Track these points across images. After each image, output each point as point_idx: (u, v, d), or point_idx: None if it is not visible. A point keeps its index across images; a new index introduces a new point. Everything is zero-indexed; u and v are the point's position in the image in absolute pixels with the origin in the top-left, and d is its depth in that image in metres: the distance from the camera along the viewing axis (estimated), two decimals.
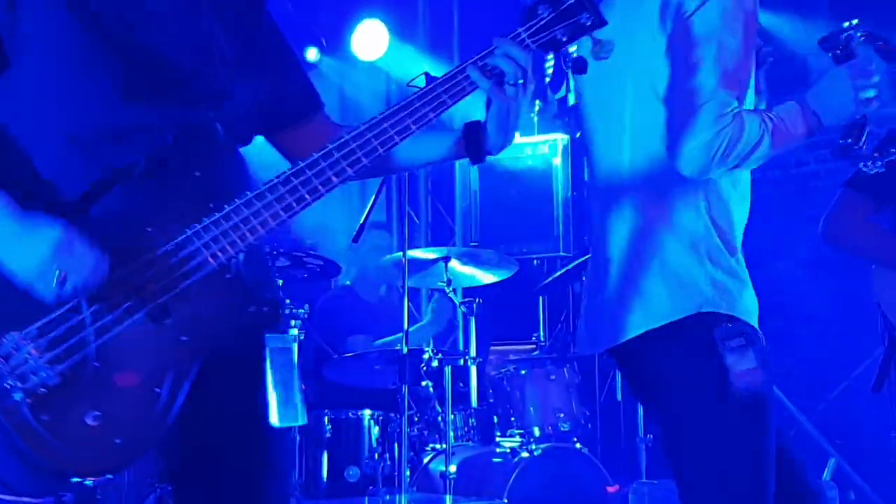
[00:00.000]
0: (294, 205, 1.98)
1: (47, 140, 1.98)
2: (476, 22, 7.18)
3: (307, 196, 1.98)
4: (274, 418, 2.04)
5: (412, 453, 5.25)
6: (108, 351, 1.91)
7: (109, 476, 2.10)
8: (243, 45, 2.17)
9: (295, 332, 5.01)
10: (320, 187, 1.98)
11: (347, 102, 7.19)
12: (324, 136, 2.10)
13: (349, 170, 2.00)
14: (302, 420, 2.09)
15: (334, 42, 7.20)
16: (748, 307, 2.56)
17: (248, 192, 1.97)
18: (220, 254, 1.97)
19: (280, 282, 5.17)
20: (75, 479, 1.95)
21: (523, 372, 5.57)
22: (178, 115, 2.02)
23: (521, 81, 2.03)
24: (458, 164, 6.90)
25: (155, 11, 2.06)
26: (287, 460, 2.31)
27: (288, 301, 5.06)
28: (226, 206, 1.96)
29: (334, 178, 1.99)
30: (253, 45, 2.20)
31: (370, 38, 7.16)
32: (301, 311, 5.08)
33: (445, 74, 2.05)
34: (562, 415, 5.47)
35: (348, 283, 6.16)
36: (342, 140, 1.99)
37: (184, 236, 1.95)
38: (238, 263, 1.99)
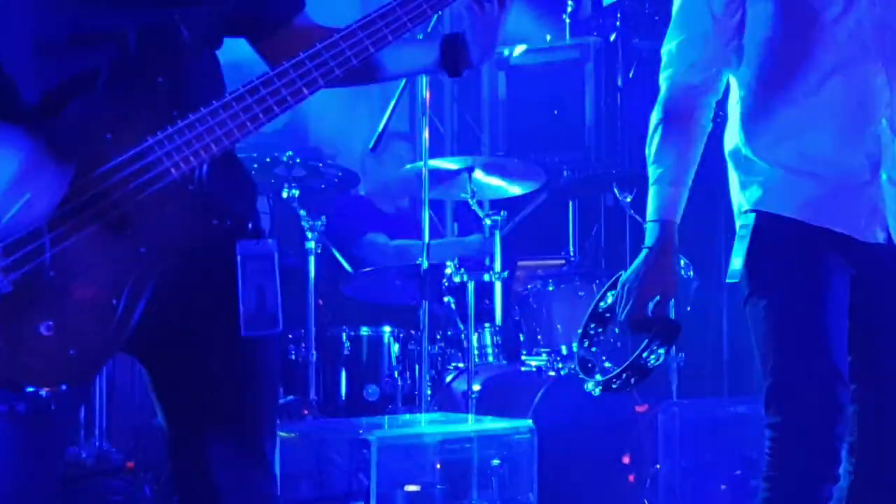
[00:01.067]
0: (261, 115, 1.98)
1: (11, 46, 1.97)
2: None
3: (275, 107, 1.99)
4: (244, 328, 2.03)
5: (433, 372, 5.19)
6: (64, 260, 1.92)
7: (63, 387, 1.92)
8: None
9: (310, 243, 5.08)
10: (289, 98, 1.99)
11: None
12: (306, 40, 2.07)
13: (321, 80, 2.00)
14: (277, 327, 2.07)
15: None
16: None
17: (215, 101, 1.97)
18: (182, 164, 1.96)
19: (295, 192, 5.14)
20: (29, 389, 1.92)
21: (551, 288, 5.46)
22: (141, 17, 1.99)
23: None
24: (485, 70, 6.95)
25: None
26: (266, 368, 2.16)
27: (304, 213, 5.10)
28: (191, 114, 1.96)
29: (305, 90, 2.00)
30: None
31: None
32: (318, 222, 5.10)
33: None
34: None
35: (363, 192, 6.10)
36: (315, 49, 1.99)
37: (145, 145, 1.94)
38: (202, 175, 1.99)
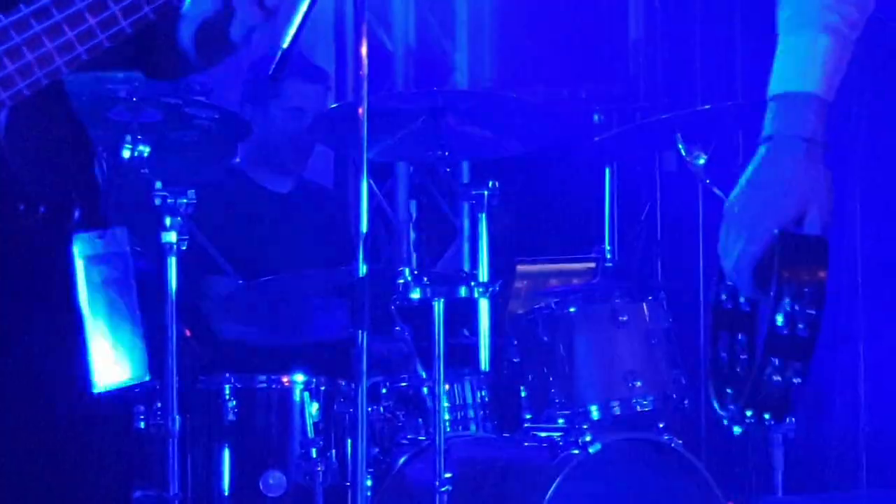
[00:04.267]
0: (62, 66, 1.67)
1: None
2: None
3: (77, 43, 1.66)
4: (96, 378, 1.73)
5: (377, 449, 3.88)
6: None
7: None
8: None
9: (171, 236, 3.69)
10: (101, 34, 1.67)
11: None
12: None
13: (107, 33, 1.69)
14: (144, 375, 1.80)
15: None
16: None
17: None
18: None
19: (146, 149, 3.75)
20: None
21: (572, 310, 3.98)
22: None
23: None
24: None
25: None
26: (121, 444, 1.70)
27: (159, 185, 3.76)
28: None
29: (100, 34, 1.68)
30: None
31: None
32: (183, 200, 3.70)
33: None
34: (639, 383, 3.89)
35: (237, 160, 4.76)
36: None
37: None
38: None
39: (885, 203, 4.92)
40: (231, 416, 3.76)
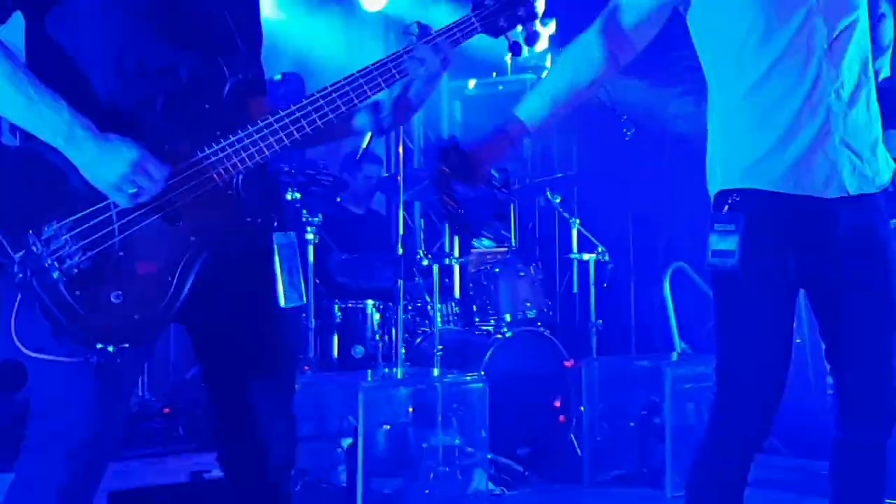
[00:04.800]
0: (274, 144, 2.05)
1: (97, 73, 2.01)
2: None
3: (285, 138, 2.05)
4: (281, 300, 2.10)
5: (406, 335, 5.31)
6: (130, 243, 1.97)
7: (126, 346, 1.94)
8: (237, 10, 2.18)
9: (310, 236, 5.18)
10: (295, 132, 2.06)
11: (351, 46, 7.01)
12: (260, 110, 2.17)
13: (318, 121, 2.07)
14: (303, 300, 2.14)
15: None
16: None
17: (249, 126, 2.04)
18: (223, 173, 2.03)
19: (298, 195, 5.27)
20: (99, 346, 1.94)
21: (497, 270, 5.70)
22: (194, 58, 2.06)
23: (426, 74, 2.13)
24: (445, 98, 6.95)
25: None
26: (293, 335, 2.29)
27: (305, 211, 5.22)
28: (230, 135, 2.03)
29: (295, 133, 2.07)
30: (246, 14, 2.23)
31: None
32: (315, 219, 5.24)
33: (379, 62, 2.12)
34: (528, 304, 5.62)
35: (340, 199, 6.20)
36: (303, 104, 2.08)
37: (195, 158, 2.02)
38: (238, 182, 2.05)
39: None
40: (337, 320, 5.36)
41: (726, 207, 2.45)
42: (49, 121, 1.90)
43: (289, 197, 5.24)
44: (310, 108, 2.06)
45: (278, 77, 5.93)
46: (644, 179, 6.42)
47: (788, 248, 2.46)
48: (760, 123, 2.50)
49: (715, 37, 2.56)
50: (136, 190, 1.94)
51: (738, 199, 2.45)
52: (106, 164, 1.92)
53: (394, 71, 2.11)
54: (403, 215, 5.34)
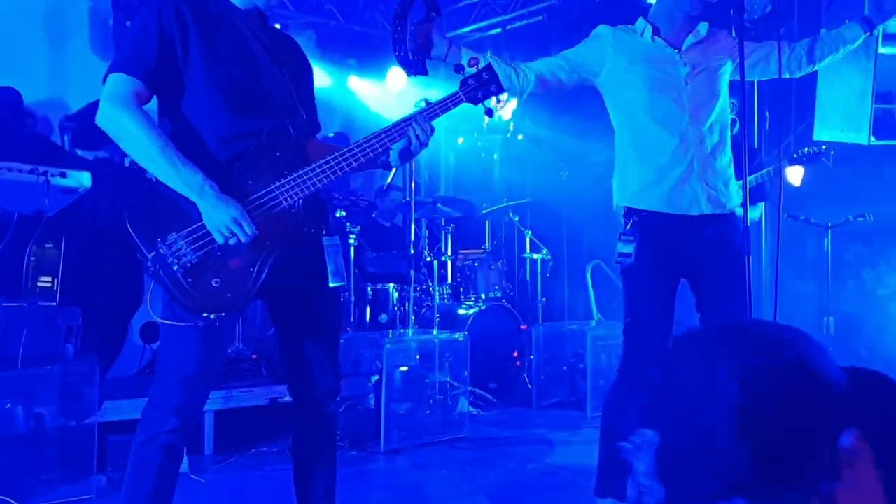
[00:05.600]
0: (324, 179, 1.98)
1: (208, 136, 1.97)
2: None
3: (331, 175, 1.99)
4: (330, 282, 2.04)
5: (415, 307, 5.26)
6: (225, 247, 1.92)
7: (223, 314, 1.86)
8: (299, 86, 2.12)
9: (351, 240, 5.12)
10: (338, 170, 1.99)
11: (386, 107, 6.63)
12: (320, 149, 2.11)
13: (354, 163, 2.01)
14: (345, 282, 2.08)
15: (377, 76, 6.77)
16: None
17: (307, 167, 1.99)
18: (289, 198, 1.97)
19: (344, 213, 5.21)
20: (204, 315, 1.90)
21: (476, 264, 5.67)
22: (271, 123, 2.00)
23: (418, 141, 2.07)
24: (442, 149, 6.80)
25: (261, 66, 2.03)
26: (338, 306, 2.08)
27: (348, 224, 5.16)
28: (294, 173, 1.98)
29: (346, 167, 2.01)
30: (304, 87, 2.17)
31: (396, 76, 6.61)
32: (356, 229, 5.21)
33: (392, 125, 2.06)
34: (497, 287, 5.59)
35: (374, 215, 6.05)
36: (343, 151, 2.02)
37: (269, 188, 1.97)
38: (299, 204, 1.98)
39: None
40: (369, 297, 5.16)
41: (629, 224, 2.44)
42: (189, 181, 1.88)
43: (337, 214, 5.16)
44: (348, 153, 2.01)
45: (331, 135, 5.87)
46: (574, 204, 6.35)
47: (668, 250, 2.44)
48: (644, 161, 2.47)
49: (615, 99, 2.54)
50: (230, 235, 1.90)
51: (636, 219, 2.44)
52: (218, 213, 1.88)
53: (399, 131, 2.06)
54: (414, 227, 5.24)
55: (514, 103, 2.29)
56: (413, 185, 5.16)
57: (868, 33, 2.44)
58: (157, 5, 1.94)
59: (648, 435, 0.82)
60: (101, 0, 5.13)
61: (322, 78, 6.24)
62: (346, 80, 6.56)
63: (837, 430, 0.79)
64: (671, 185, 2.45)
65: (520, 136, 6.49)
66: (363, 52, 6.53)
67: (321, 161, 1.99)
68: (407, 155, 2.10)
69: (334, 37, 6.26)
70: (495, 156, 6.71)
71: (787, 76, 2.53)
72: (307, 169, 1.99)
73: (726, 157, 2.54)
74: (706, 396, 0.79)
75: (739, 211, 2.46)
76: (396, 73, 6.40)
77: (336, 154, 2.01)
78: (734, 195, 2.54)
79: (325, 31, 6.17)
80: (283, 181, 1.97)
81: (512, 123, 6.37)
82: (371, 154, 2.02)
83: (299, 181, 1.98)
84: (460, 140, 6.81)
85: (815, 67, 2.52)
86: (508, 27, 6.11)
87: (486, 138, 6.74)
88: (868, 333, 4.82)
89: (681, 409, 0.81)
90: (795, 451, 0.77)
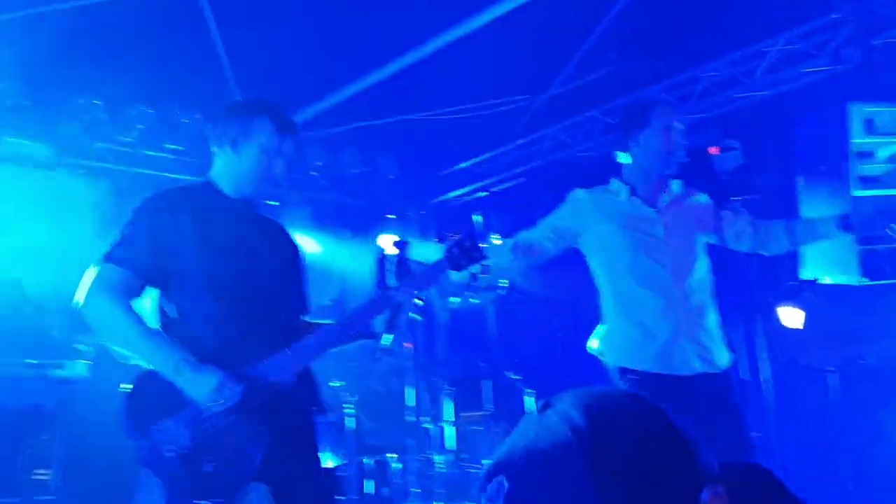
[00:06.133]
0: (313, 356, 2.06)
1: (201, 324, 2.02)
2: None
3: (320, 353, 2.06)
4: (328, 463, 2.15)
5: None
6: (218, 433, 1.95)
7: (221, 501, 1.84)
8: (286, 269, 2.19)
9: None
10: (328, 348, 2.06)
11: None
12: (311, 328, 2.15)
13: (335, 344, 2.08)
14: (341, 462, 2.12)
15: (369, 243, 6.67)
16: None
17: (296, 344, 2.05)
18: (279, 375, 2.01)
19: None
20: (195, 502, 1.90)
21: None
22: (261, 306, 2.07)
23: (407, 303, 2.13)
24: (442, 312, 6.75)
25: (250, 254, 2.11)
26: (335, 484, 2.15)
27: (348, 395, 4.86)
28: (284, 350, 2.03)
29: (327, 349, 2.06)
30: (292, 270, 2.23)
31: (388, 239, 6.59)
32: (353, 398, 4.95)
33: (379, 296, 2.11)
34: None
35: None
36: (340, 320, 2.08)
37: (260, 366, 2.01)
38: (290, 383, 2.03)
39: None
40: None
41: (626, 385, 2.44)
42: (165, 361, 1.94)
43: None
44: (338, 327, 2.08)
45: (328, 302, 5.85)
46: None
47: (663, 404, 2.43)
48: (631, 322, 2.47)
49: (598, 261, 2.57)
50: (220, 403, 1.93)
51: (634, 377, 2.43)
52: (198, 385, 1.92)
53: (388, 301, 2.13)
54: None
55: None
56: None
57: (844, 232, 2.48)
58: (153, 204, 2.06)
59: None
60: None
61: (317, 247, 6.40)
62: (340, 249, 6.69)
63: (698, 484, 0.76)
64: (660, 344, 2.44)
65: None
66: (356, 222, 6.72)
67: (311, 337, 2.04)
68: (395, 325, 2.14)
69: (329, 208, 6.45)
70: (490, 316, 6.62)
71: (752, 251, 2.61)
72: (296, 345, 2.03)
73: (713, 315, 2.53)
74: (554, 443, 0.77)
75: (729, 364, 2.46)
76: (385, 240, 6.48)
77: (325, 328, 2.06)
78: (725, 353, 2.53)
79: (320, 204, 6.37)
80: (274, 358, 2.01)
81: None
82: (359, 327, 2.10)
83: (289, 358, 2.02)
84: (452, 300, 6.68)
85: (775, 254, 2.60)
86: (493, 189, 6.28)
87: (475, 298, 6.53)
88: None
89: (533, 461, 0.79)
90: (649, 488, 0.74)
